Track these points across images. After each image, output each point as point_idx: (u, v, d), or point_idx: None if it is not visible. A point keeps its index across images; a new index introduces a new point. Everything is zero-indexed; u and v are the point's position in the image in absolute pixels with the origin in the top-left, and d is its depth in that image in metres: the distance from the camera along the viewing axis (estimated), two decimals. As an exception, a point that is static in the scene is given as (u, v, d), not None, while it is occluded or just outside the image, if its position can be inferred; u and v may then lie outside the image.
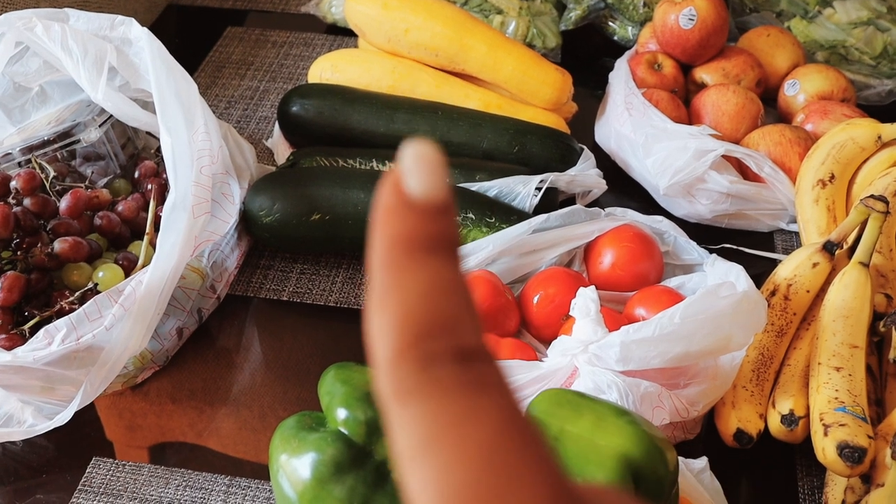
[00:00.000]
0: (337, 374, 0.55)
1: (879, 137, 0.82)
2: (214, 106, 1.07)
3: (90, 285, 0.69)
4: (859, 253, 0.71)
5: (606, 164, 0.94)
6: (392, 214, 0.18)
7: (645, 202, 0.92)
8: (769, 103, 1.02)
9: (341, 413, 0.52)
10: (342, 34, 1.19)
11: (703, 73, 0.99)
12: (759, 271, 0.82)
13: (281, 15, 1.26)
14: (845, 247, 0.75)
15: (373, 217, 0.19)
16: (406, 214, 0.18)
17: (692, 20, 0.95)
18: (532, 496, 0.16)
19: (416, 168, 0.18)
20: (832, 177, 0.82)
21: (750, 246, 0.87)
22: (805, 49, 1.10)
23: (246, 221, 0.83)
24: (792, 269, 0.73)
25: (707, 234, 0.88)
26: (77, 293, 0.69)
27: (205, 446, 0.73)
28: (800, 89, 0.97)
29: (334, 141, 0.93)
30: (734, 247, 0.87)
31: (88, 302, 0.66)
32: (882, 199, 0.70)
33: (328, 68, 0.99)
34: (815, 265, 0.72)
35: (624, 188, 0.93)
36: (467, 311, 0.18)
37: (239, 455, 0.72)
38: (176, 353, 0.78)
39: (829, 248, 0.73)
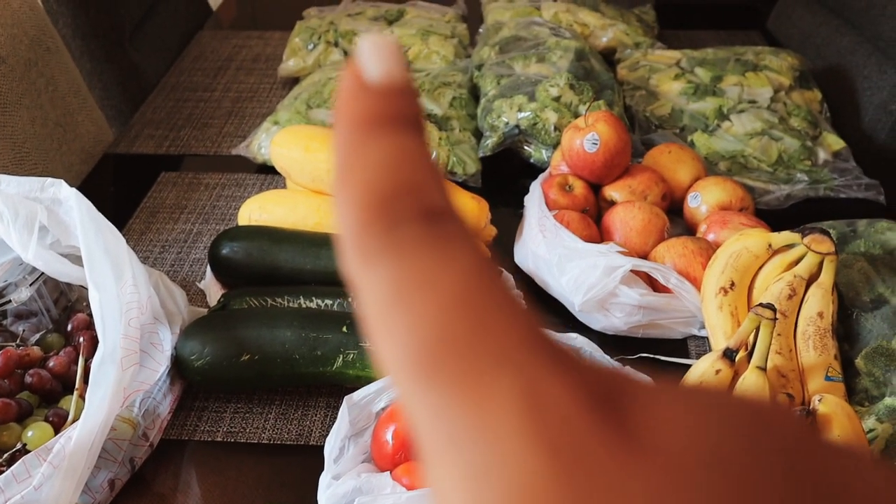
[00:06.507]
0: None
1: (770, 245, 0.88)
2: (149, 251, 1.10)
3: (19, 445, 0.70)
4: (755, 358, 0.75)
5: (527, 283, 0.99)
6: (351, 99, 0.19)
7: (565, 318, 0.96)
8: (678, 213, 1.08)
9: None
10: (272, 173, 1.24)
11: (611, 191, 1.05)
12: (676, 377, 0.85)
13: (213, 157, 1.30)
14: (746, 350, 0.79)
15: (335, 107, 0.19)
16: (365, 96, 0.18)
17: (595, 144, 1.02)
18: (506, 341, 0.16)
19: (372, 55, 0.19)
20: (732, 284, 0.87)
21: (665, 353, 0.91)
22: (709, 160, 1.18)
23: (178, 366, 0.85)
24: (697, 376, 0.77)
25: (624, 345, 0.92)
26: (5, 455, 0.70)
27: None
28: (701, 201, 1.03)
29: (264, 280, 0.96)
30: (650, 355, 0.91)
31: (17, 463, 0.67)
32: (770, 306, 0.75)
33: (256, 210, 1.04)
34: (717, 372, 0.77)
35: (545, 306, 0.98)
36: (431, 175, 0.18)
37: None
38: (109, 504, 0.78)
39: (728, 354, 0.77)
